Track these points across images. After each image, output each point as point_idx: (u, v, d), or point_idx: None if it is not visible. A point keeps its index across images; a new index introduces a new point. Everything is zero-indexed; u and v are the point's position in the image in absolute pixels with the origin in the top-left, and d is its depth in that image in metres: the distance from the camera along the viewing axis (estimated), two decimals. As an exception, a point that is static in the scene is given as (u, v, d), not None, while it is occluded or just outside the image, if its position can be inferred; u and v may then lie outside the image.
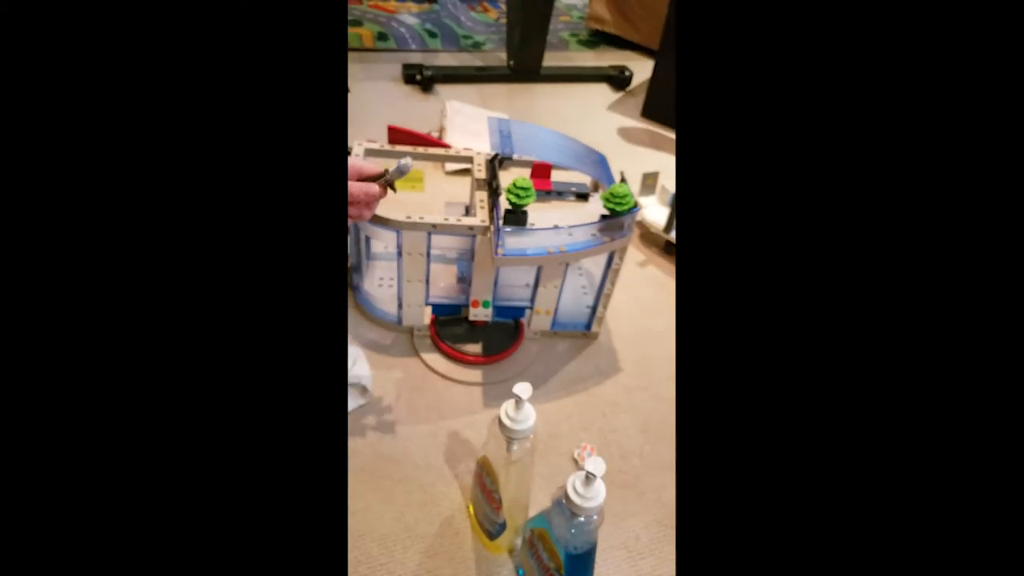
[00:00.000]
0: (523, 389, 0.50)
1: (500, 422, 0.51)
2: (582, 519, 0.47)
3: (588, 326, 0.81)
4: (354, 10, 1.68)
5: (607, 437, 0.71)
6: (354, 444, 0.66)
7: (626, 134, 1.31)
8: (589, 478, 0.46)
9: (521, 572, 0.58)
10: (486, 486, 0.56)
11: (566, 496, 0.47)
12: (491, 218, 0.69)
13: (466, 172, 1.05)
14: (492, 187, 0.72)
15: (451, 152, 0.83)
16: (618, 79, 1.46)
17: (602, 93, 1.46)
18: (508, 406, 0.51)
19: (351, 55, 1.45)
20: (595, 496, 0.46)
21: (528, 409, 0.51)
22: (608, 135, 1.30)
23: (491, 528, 0.58)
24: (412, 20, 1.68)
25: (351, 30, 1.55)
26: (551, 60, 1.49)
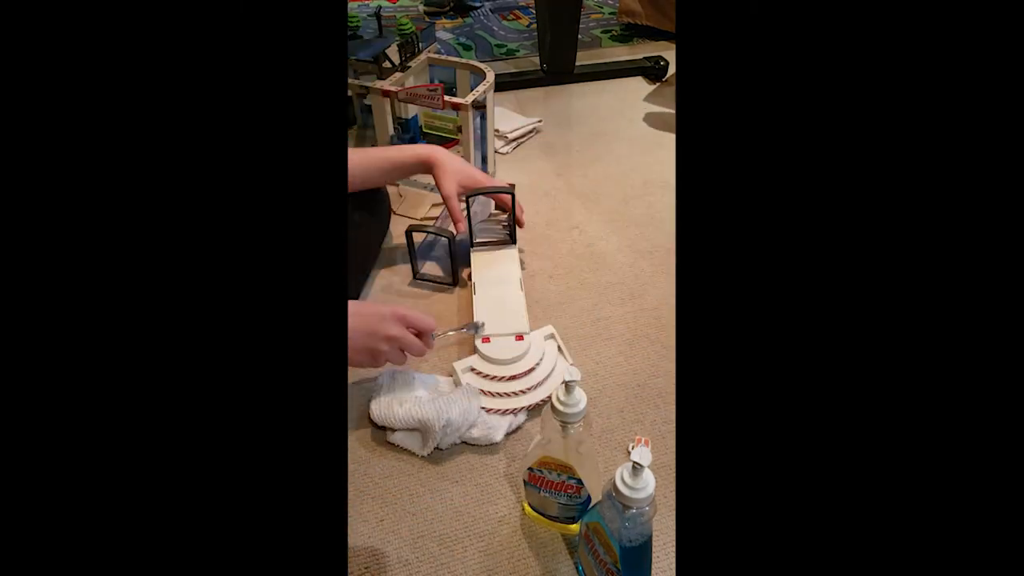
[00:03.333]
0: (573, 372, 0.52)
1: (553, 407, 0.53)
2: (634, 511, 0.47)
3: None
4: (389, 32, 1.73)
5: (661, 429, 0.70)
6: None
7: (665, 124, 1.29)
8: (636, 469, 0.46)
9: (580, 568, 0.58)
10: (554, 482, 0.56)
11: (615, 488, 0.47)
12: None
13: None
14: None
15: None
16: (653, 70, 1.45)
17: (638, 86, 1.44)
18: (559, 391, 0.53)
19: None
20: (645, 487, 0.46)
21: (579, 393, 0.53)
22: (645, 128, 1.29)
23: (574, 513, 0.59)
24: (446, 36, 1.72)
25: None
26: (584, 59, 1.49)
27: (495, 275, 0.85)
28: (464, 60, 1.11)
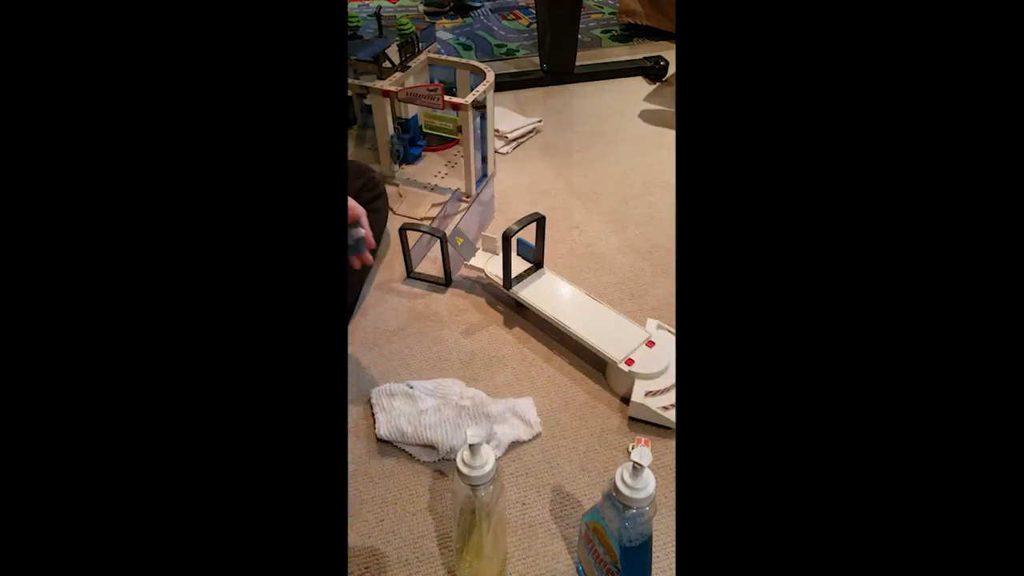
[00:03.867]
0: (475, 434, 0.48)
1: (459, 471, 0.48)
2: (634, 511, 0.47)
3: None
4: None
5: (661, 430, 0.70)
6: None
7: (664, 123, 1.29)
8: (636, 469, 0.46)
9: (580, 568, 0.58)
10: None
11: (615, 488, 0.47)
12: None
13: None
14: None
15: None
16: (653, 70, 1.45)
17: (638, 86, 1.44)
18: (464, 454, 0.48)
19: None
20: (645, 487, 0.46)
21: (486, 451, 0.48)
22: (645, 128, 1.29)
23: None
24: (447, 36, 1.72)
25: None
26: (584, 59, 1.49)
27: (561, 303, 0.81)
28: (464, 60, 1.11)
